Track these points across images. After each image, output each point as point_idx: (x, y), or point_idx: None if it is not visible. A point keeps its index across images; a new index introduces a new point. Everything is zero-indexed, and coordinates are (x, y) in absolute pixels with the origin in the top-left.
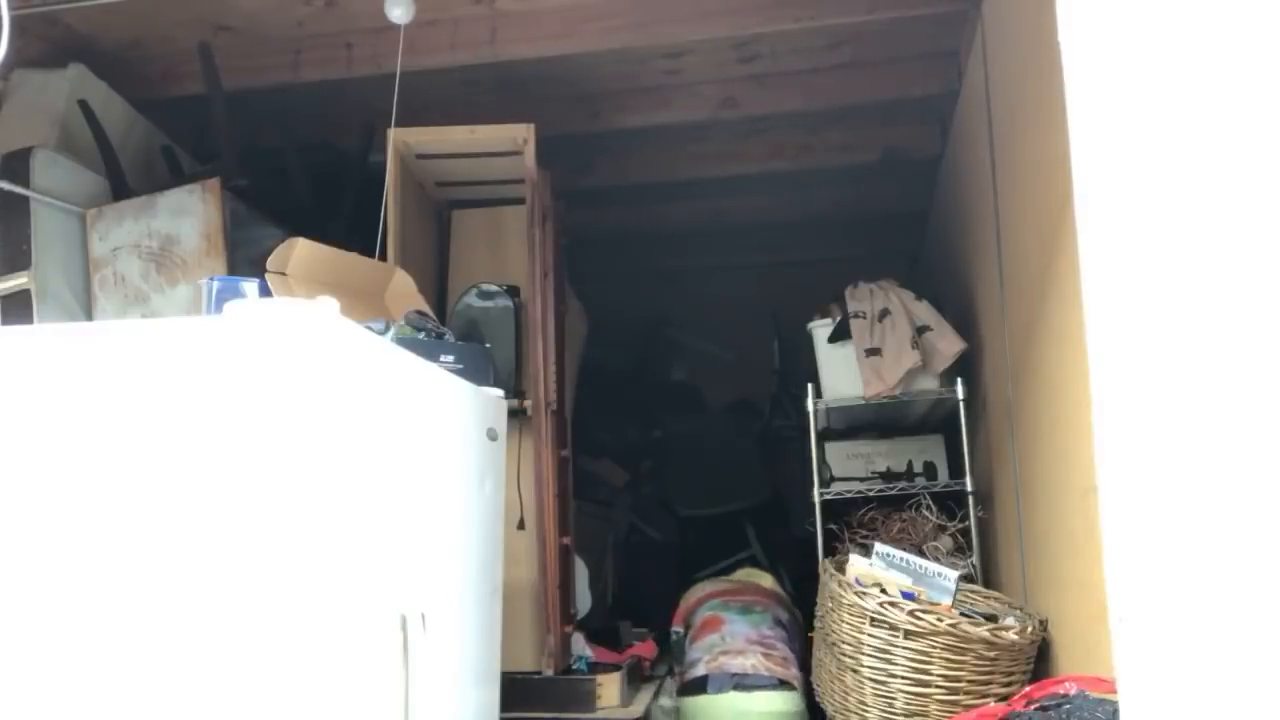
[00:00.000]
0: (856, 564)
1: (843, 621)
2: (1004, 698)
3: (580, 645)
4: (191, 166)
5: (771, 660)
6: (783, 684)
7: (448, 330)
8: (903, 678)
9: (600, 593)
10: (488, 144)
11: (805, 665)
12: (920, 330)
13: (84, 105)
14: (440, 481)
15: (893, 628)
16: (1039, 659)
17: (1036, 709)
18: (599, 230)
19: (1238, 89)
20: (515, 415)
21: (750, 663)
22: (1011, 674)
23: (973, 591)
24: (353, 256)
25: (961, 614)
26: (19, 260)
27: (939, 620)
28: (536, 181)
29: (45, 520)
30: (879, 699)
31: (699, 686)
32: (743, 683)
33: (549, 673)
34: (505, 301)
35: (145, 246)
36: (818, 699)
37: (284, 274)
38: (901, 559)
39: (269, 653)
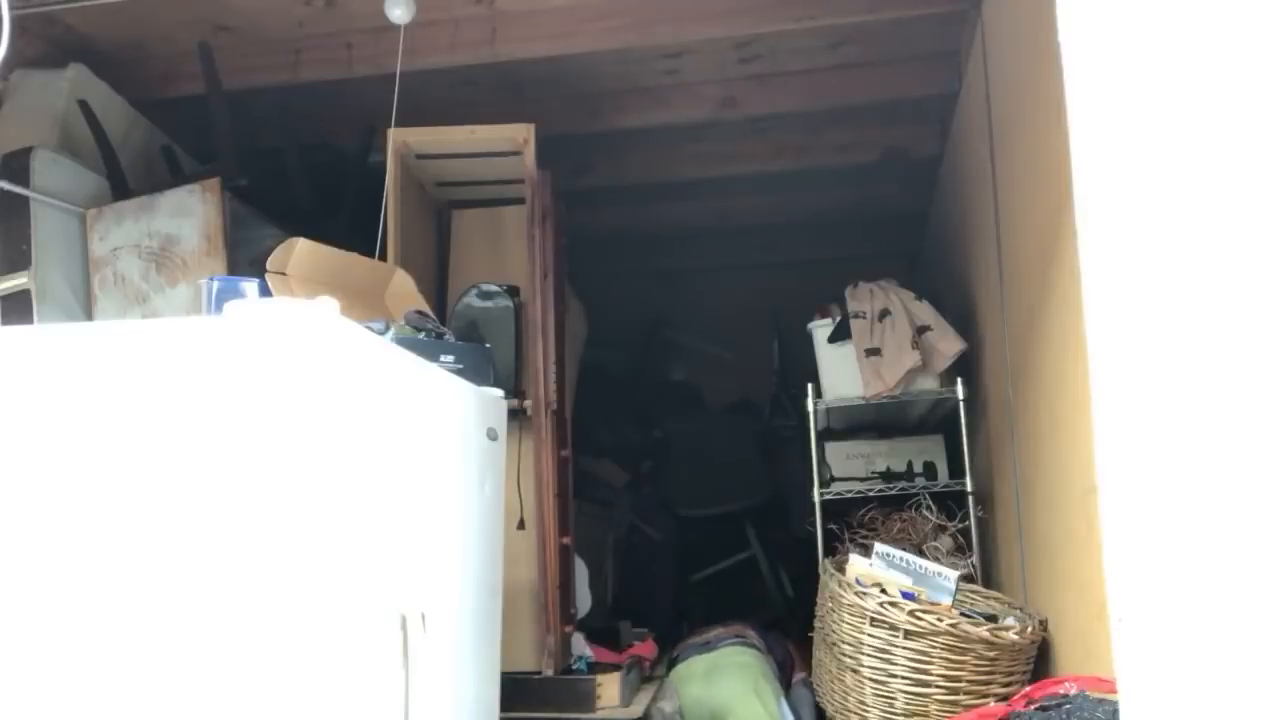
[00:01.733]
0: (856, 564)
1: (843, 621)
2: (1004, 698)
3: (580, 645)
4: (191, 166)
5: (730, 629)
6: (740, 638)
7: (448, 330)
8: (903, 678)
9: (600, 593)
10: (487, 144)
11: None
12: (920, 330)
13: (84, 105)
14: (440, 482)
15: (893, 628)
16: (1039, 659)
17: (1036, 709)
18: (599, 230)
19: (1237, 89)
20: (515, 415)
21: (714, 634)
22: (1011, 674)
23: (973, 591)
24: (353, 256)
25: (961, 614)
26: (19, 260)
27: (939, 620)
28: (536, 181)
29: (46, 520)
30: (879, 699)
31: (674, 662)
32: (706, 646)
33: (549, 673)
34: (505, 301)
35: (145, 246)
36: (818, 699)
37: (284, 274)
38: (901, 559)
39: (269, 652)
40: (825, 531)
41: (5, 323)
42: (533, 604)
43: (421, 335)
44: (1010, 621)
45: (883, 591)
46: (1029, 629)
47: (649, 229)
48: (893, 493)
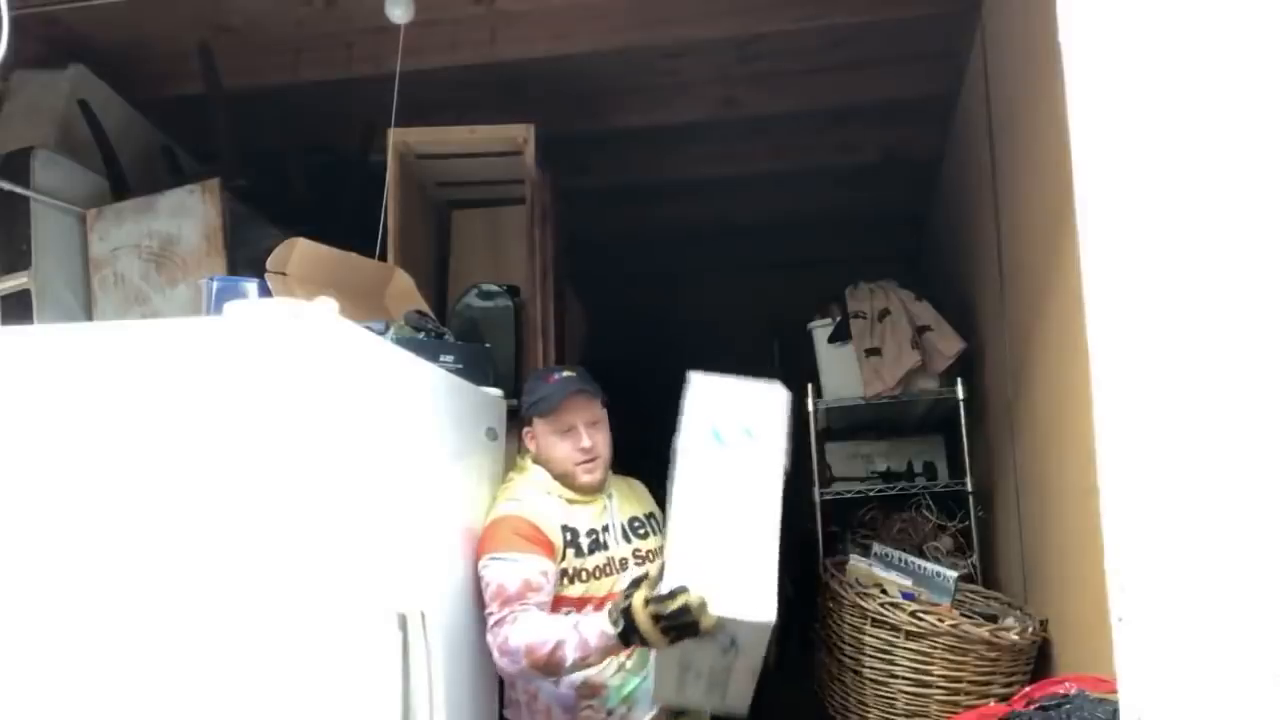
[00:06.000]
0: (857, 564)
1: (843, 622)
2: (1004, 698)
3: None
4: (191, 166)
5: None
6: None
7: (448, 330)
8: (903, 678)
9: None
10: (488, 144)
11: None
12: (920, 330)
13: (84, 105)
14: (440, 481)
15: (893, 628)
16: (1039, 659)
17: (1036, 709)
18: (599, 230)
19: (1238, 89)
20: (515, 415)
21: None
22: (1012, 674)
23: (973, 591)
24: (353, 256)
25: (962, 614)
26: (19, 260)
27: (940, 621)
28: (536, 181)
29: (46, 520)
30: (879, 699)
31: None
32: None
33: None
34: (505, 301)
35: (145, 247)
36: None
37: (284, 274)
38: (900, 559)
39: (268, 652)
40: (826, 532)
41: (5, 323)
42: None
43: (421, 335)
44: (1010, 622)
45: (883, 592)
46: (1029, 629)
47: (649, 229)
48: (893, 493)
